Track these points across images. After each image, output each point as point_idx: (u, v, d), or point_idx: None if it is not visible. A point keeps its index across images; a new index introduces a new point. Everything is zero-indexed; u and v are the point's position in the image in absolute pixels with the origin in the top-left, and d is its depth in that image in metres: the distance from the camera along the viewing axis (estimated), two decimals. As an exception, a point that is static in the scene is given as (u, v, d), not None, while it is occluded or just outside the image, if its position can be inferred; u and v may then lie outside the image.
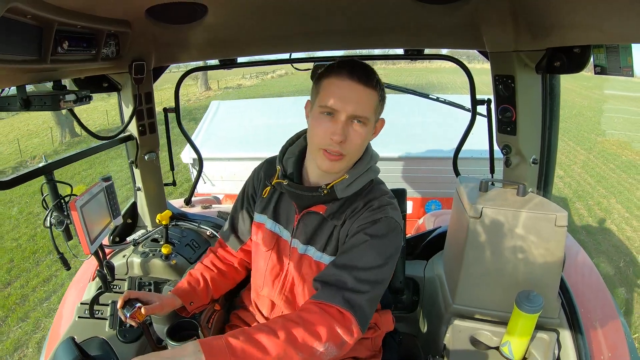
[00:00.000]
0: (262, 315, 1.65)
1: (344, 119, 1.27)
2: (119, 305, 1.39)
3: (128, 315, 1.46)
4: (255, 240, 1.62)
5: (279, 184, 1.47)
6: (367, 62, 2.15)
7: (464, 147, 2.39)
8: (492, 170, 2.23)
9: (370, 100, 1.29)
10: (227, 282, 1.69)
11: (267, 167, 1.60)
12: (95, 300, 1.80)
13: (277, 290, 1.55)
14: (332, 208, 1.41)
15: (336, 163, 1.32)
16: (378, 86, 1.31)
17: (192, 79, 32.62)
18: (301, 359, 1.11)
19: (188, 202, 2.87)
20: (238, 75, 36.63)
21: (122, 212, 2.22)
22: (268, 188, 1.55)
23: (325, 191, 1.37)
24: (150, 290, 1.95)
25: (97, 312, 1.82)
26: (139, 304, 1.46)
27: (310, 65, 2.20)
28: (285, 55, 2.21)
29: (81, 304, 1.86)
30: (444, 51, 2.52)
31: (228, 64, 2.25)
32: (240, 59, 2.25)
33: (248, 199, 1.65)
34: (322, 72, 1.33)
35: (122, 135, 2.09)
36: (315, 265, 1.45)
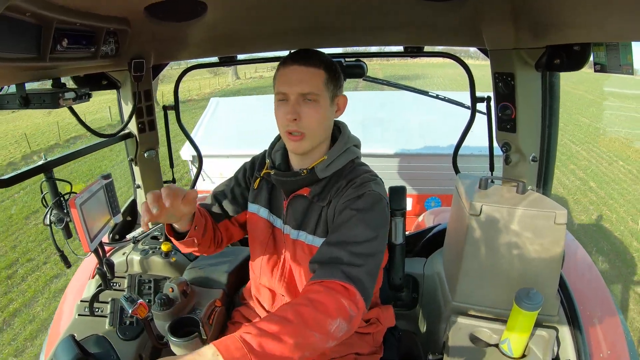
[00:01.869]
0: (264, 308, 1.66)
1: (294, 99, 1.39)
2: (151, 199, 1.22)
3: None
4: (250, 230, 1.65)
5: (268, 174, 1.55)
6: (366, 59, 2.17)
7: (464, 144, 2.39)
8: (491, 168, 2.23)
9: (314, 77, 1.39)
10: (212, 238, 1.62)
11: (261, 159, 1.68)
12: (95, 297, 1.81)
13: (276, 278, 1.57)
14: (315, 190, 1.47)
15: (300, 142, 1.42)
16: (323, 65, 1.40)
17: (212, 72, 39.60)
18: (318, 340, 1.09)
19: None
20: (255, 67, 43.60)
21: (122, 210, 2.22)
22: (258, 179, 1.62)
23: (304, 172, 1.45)
24: (149, 288, 1.95)
25: (97, 310, 1.82)
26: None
27: None
28: (285, 53, 2.21)
29: (81, 301, 1.86)
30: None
31: (228, 61, 2.24)
32: (240, 57, 2.25)
33: (241, 183, 1.67)
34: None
35: (121, 132, 2.09)
36: (307, 249, 1.48)
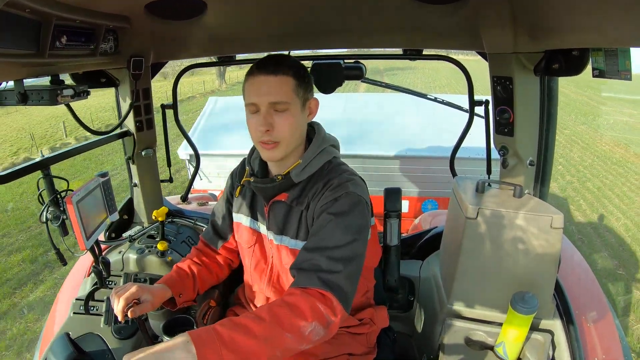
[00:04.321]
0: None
1: (264, 110, 1.36)
2: (120, 308, 1.36)
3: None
4: (237, 239, 1.68)
5: (248, 182, 1.56)
6: (365, 61, 2.17)
7: (461, 147, 2.39)
8: (489, 171, 2.24)
9: (282, 85, 1.36)
10: (212, 278, 1.71)
11: (240, 168, 1.70)
12: (90, 296, 1.80)
13: (265, 283, 1.59)
14: (293, 194, 1.47)
15: (274, 151, 1.41)
16: (291, 71, 1.37)
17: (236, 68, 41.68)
18: (290, 341, 1.12)
19: (184, 198, 2.87)
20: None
21: (119, 208, 2.21)
22: (239, 188, 1.64)
23: (279, 177, 1.45)
24: None
25: (92, 308, 1.81)
26: (134, 300, 1.46)
27: (309, 63, 2.19)
28: (284, 53, 2.21)
29: (76, 299, 1.86)
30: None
31: (227, 61, 2.24)
32: (238, 56, 2.25)
33: (228, 198, 1.72)
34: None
35: (119, 130, 2.09)
36: (292, 253, 1.48)
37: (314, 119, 1.54)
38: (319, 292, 1.21)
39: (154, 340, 1.59)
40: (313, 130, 1.54)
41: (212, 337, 1.04)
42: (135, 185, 2.30)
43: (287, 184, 1.46)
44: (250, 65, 1.44)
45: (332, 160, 1.52)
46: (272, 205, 1.52)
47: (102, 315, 1.79)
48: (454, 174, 2.36)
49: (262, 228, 1.58)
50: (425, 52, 2.07)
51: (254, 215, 1.61)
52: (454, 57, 2.24)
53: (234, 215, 1.68)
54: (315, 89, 1.80)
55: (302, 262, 1.30)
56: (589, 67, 1.44)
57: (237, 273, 1.88)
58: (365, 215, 1.40)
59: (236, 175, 1.71)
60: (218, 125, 5.92)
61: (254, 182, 1.52)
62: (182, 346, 1.01)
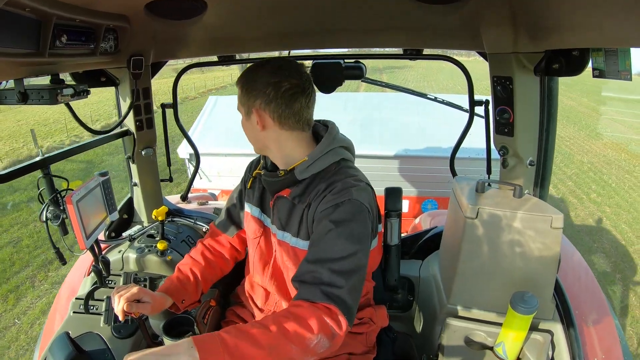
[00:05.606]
0: (257, 307, 1.67)
1: None
2: (121, 308, 1.37)
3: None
4: (245, 229, 1.70)
5: (259, 174, 1.59)
6: (366, 60, 2.17)
7: (461, 147, 2.39)
8: (489, 171, 2.24)
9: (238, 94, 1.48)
10: (215, 273, 1.71)
11: (257, 160, 1.70)
12: (90, 295, 1.80)
13: (267, 277, 1.60)
14: (295, 191, 1.46)
15: None
16: (242, 79, 1.46)
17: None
18: (295, 352, 1.11)
19: (184, 198, 2.87)
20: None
21: (118, 208, 2.21)
22: (251, 179, 1.66)
23: (281, 172, 1.45)
24: (145, 286, 1.95)
25: (92, 308, 1.81)
26: (135, 300, 1.46)
27: (309, 62, 2.19)
28: (284, 53, 2.21)
29: (76, 299, 1.86)
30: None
31: (227, 60, 2.24)
32: (239, 56, 2.25)
33: (244, 187, 1.73)
34: None
35: (119, 130, 2.09)
36: (292, 250, 1.48)
37: (330, 120, 1.57)
38: (325, 306, 1.20)
39: (154, 339, 1.59)
40: (327, 130, 1.52)
41: (216, 344, 1.04)
42: (135, 184, 2.30)
43: (291, 180, 1.45)
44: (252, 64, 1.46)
45: (341, 162, 1.48)
46: (276, 200, 1.52)
47: (101, 314, 1.79)
48: (454, 174, 2.36)
49: (268, 221, 1.59)
50: (426, 52, 2.07)
51: (262, 208, 1.62)
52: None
53: (245, 204, 1.69)
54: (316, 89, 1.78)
55: (304, 275, 1.28)
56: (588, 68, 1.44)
57: (236, 273, 1.89)
58: (367, 223, 1.37)
59: (252, 167, 1.72)
60: (218, 125, 5.92)
61: (263, 175, 1.54)
62: (185, 350, 1.01)
